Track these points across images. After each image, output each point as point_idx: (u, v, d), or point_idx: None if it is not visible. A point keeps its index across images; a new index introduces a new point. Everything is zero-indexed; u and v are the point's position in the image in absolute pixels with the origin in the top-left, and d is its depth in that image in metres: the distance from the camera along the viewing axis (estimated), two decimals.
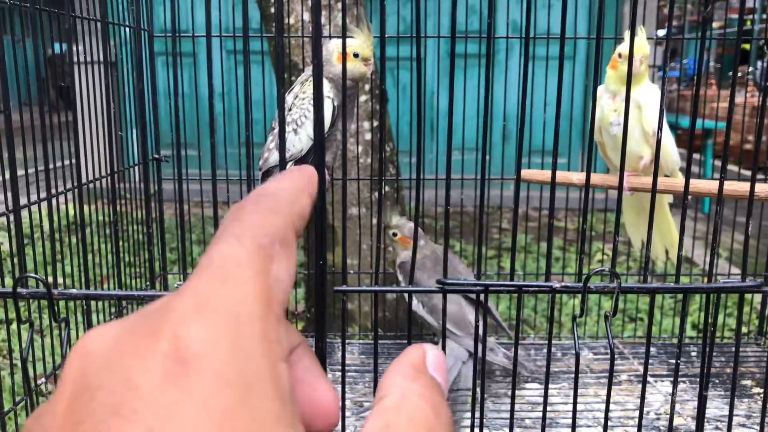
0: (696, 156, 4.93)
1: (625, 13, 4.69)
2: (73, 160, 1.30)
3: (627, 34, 1.41)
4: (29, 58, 1.05)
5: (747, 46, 6.21)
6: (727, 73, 6.61)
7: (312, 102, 1.42)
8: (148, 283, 1.66)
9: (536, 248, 3.50)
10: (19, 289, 0.62)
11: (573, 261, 3.21)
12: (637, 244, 1.68)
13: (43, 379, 1.30)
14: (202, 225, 1.99)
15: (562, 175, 1.52)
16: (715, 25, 7.78)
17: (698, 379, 1.64)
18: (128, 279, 1.63)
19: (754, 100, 5.81)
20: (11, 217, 1.04)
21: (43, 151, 0.73)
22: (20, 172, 0.93)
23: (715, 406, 1.53)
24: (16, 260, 1.14)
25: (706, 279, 2.52)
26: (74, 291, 0.62)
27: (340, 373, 1.69)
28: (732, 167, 5.22)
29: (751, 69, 6.73)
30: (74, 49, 1.32)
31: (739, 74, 6.37)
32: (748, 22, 7.58)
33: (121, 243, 1.54)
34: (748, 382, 1.66)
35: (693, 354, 1.82)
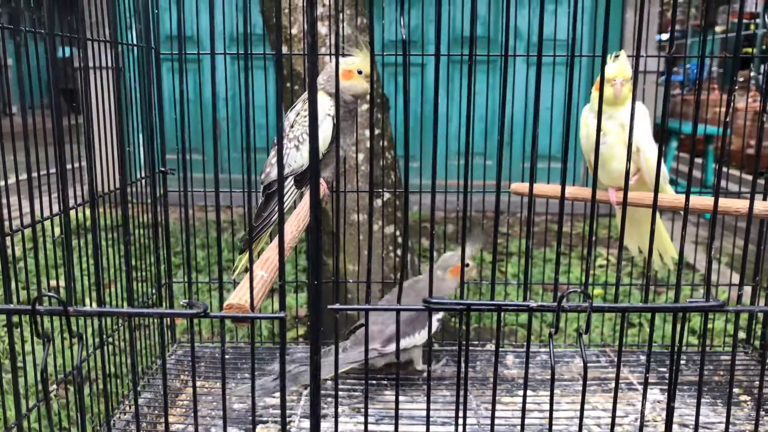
0: (699, 160, 4.96)
1: (627, 19, 4.73)
2: (84, 163, 1.34)
3: (609, 58, 1.47)
4: (39, 62, 1.09)
5: (750, 50, 6.24)
6: (728, 78, 6.63)
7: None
8: (154, 291, 1.71)
9: (536, 253, 3.55)
10: (37, 307, 0.68)
11: (574, 266, 3.26)
12: (633, 251, 1.73)
13: (55, 386, 1.36)
14: (206, 229, 2.04)
15: (553, 188, 1.57)
16: (717, 29, 7.79)
17: (686, 387, 1.68)
18: (133, 283, 1.67)
19: (756, 104, 5.84)
20: (17, 233, 1.09)
21: (57, 159, 0.77)
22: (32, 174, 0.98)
23: (702, 414, 1.57)
24: (16, 267, 1.19)
25: (704, 289, 2.55)
26: (88, 309, 0.68)
27: (341, 380, 1.74)
28: (734, 172, 5.26)
29: (752, 74, 6.76)
30: (81, 55, 1.36)
31: (741, 79, 6.40)
32: (751, 26, 7.59)
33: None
34: (735, 390, 1.71)
35: (681, 362, 1.87)
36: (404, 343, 1.68)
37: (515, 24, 1.84)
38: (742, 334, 2.33)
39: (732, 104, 0.80)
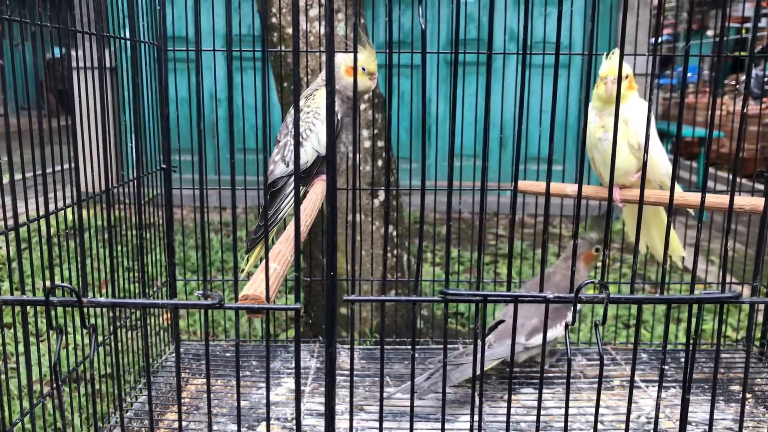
0: (692, 164, 4.99)
1: (620, 21, 4.75)
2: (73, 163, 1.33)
3: (604, 57, 1.49)
4: (27, 62, 1.08)
5: (744, 53, 6.28)
6: (722, 81, 6.68)
7: (316, 116, 1.47)
8: (154, 290, 1.70)
9: (532, 254, 3.56)
10: (50, 298, 0.67)
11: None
12: (642, 248, 1.74)
13: (48, 387, 1.34)
14: (207, 230, 2.03)
15: (556, 187, 1.58)
16: (710, 33, 7.84)
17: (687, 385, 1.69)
18: (127, 283, 1.65)
19: (750, 108, 5.87)
20: (10, 232, 1.08)
21: (73, 155, 0.77)
22: (26, 174, 0.97)
23: (704, 410, 1.58)
24: (13, 266, 1.19)
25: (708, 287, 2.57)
26: (102, 300, 0.67)
27: (343, 378, 1.73)
28: (726, 175, 5.29)
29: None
30: (74, 54, 1.35)
31: (733, 82, 6.44)
32: (743, 31, 7.64)
33: (120, 247, 1.58)
34: (737, 387, 1.72)
35: (678, 362, 1.88)
36: (548, 335, 1.65)
37: (505, 25, 1.84)
38: (741, 333, 2.34)
39: (742, 108, 0.81)
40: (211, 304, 0.69)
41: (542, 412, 1.58)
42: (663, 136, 4.93)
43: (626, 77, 1.50)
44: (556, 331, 1.68)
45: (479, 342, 0.78)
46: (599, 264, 1.75)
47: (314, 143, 1.46)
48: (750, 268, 1.92)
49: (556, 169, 3.90)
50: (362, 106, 2.20)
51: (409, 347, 2.00)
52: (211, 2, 1.67)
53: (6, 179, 1.06)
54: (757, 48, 7.14)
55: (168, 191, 1.70)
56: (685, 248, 2.10)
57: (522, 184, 1.58)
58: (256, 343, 2.10)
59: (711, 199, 1.33)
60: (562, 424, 1.51)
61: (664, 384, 1.72)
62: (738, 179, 2.16)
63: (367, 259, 2.19)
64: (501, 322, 1.69)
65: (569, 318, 1.68)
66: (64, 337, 0.71)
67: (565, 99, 4.26)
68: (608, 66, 1.47)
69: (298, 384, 0.74)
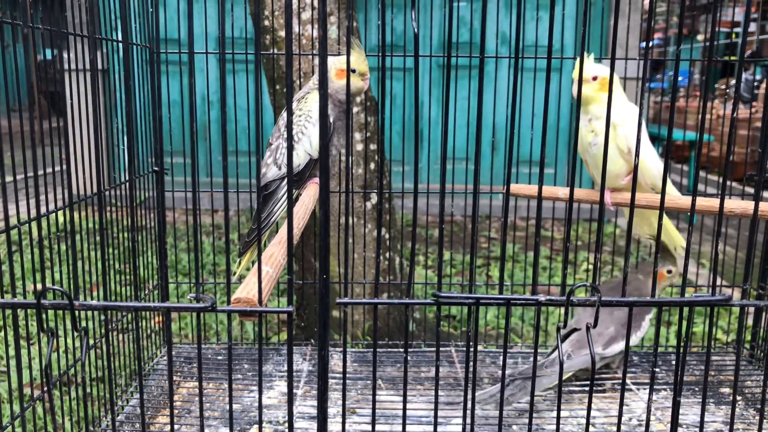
0: (683, 167, 5.00)
1: (611, 25, 4.78)
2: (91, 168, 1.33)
3: (577, 62, 1.50)
4: (19, 64, 1.08)
5: (734, 57, 6.33)
6: (713, 85, 6.72)
7: (308, 119, 1.47)
8: (146, 293, 1.69)
9: (524, 257, 3.57)
10: (42, 301, 0.67)
11: (560, 270, 3.27)
12: (643, 239, 1.75)
13: (38, 391, 1.34)
14: (200, 232, 2.02)
15: (548, 190, 1.58)
16: (700, 37, 7.90)
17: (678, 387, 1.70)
18: (119, 286, 1.64)
19: (742, 112, 5.91)
20: (1, 234, 1.08)
21: (65, 157, 0.77)
22: (17, 176, 0.97)
23: (695, 413, 1.58)
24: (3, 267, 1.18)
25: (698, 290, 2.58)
26: (94, 303, 0.67)
27: (335, 381, 1.73)
28: (716, 178, 5.32)
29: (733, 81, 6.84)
30: (66, 57, 1.35)
31: (723, 86, 6.49)
32: (733, 35, 7.68)
33: (111, 250, 1.57)
34: (727, 390, 1.73)
35: (669, 364, 1.88)
36: (621, 345, 1.66)
37: (497, 28, 1.85)
38: (732, 336, 2.35)
39: (734, 112, 0.81)
40: (204, 307, 0.69)
41: (534, 414, 1.59)
42: (654, 139, 4.96)
43: (594, 78, 1.49)
44: (632, 339, 1.71)
45: (470, 345, 0.78)
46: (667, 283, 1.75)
47: (306, 146, 1.47)
48: (740, 271, 1.94)
49: (547, 173, 3.93)
50: (354, 109, 2.20)
51: (402, 350, 2.00)
52: (204, 5, 1.68)
53: None
54: (746, 52, 7.21)
55: (160, 194, 1.70)
56: (677, 250, 2.11)
57: (514, 188, 1.59)
58: (248, 345, 2.09)
59: (701, 202, 1.34)
60: (553, 427, 1.52)
61: (655, 386, 1.72)
62: (728, 183, 2.18)
63: (360, 261, 2.19)
64: (574, 330, 1.69)
65: (644, 328, 1.71)
66: (55, 340, 0.71)
67: (556, 102, 4.28)
68: (578, 69, 1.47)
69: (290, 387, 0.74)
